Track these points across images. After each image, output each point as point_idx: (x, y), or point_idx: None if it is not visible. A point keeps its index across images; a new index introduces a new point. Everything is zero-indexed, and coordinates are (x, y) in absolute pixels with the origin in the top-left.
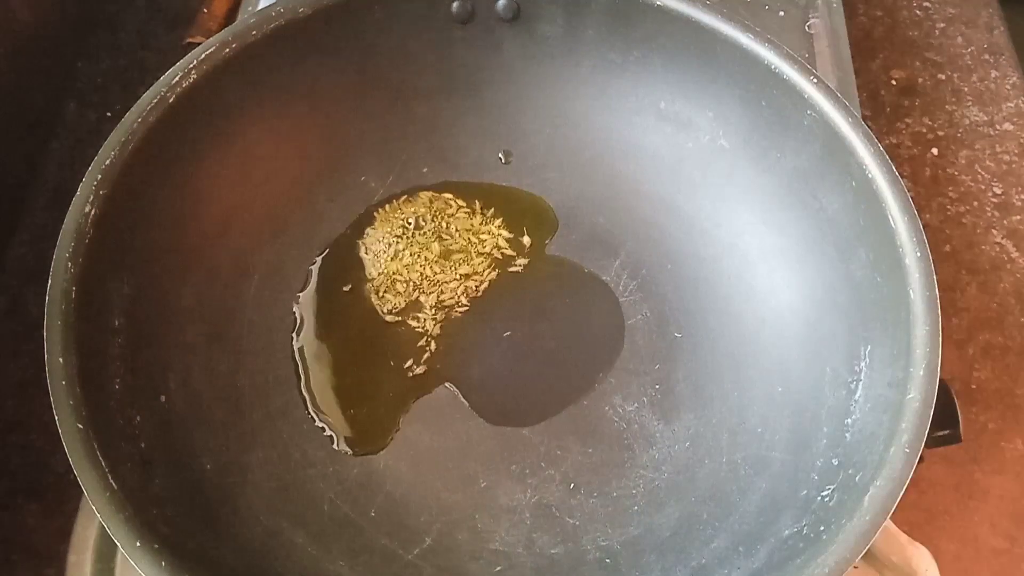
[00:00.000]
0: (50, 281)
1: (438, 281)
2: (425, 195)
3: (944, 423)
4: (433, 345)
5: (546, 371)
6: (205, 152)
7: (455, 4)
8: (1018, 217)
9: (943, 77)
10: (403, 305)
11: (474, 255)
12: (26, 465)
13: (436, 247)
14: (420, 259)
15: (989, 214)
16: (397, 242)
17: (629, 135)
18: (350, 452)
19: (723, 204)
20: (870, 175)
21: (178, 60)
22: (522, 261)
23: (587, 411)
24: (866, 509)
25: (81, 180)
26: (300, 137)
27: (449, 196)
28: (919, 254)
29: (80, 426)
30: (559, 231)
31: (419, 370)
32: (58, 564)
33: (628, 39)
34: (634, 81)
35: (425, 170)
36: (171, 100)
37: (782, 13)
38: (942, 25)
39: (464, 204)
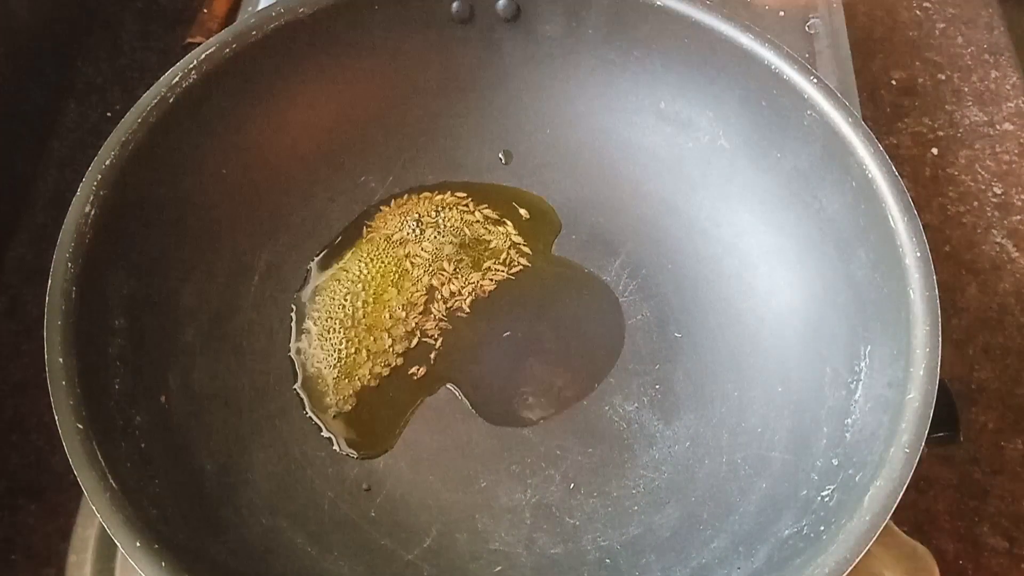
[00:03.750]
0: (50, 281)
1: (443, 281)
2: (426, 195)
3: (944, 423)
4: (438, 344)
5: (546, 371)
6: (204, 152)
7: (455, 4)
8: (1018, 217)
9: (943, 77)
10: (405, 306)
11: (482, 256)
12: (26, 465)
13: (440, 247)
14: (423, 260)
15: (989, 214)
16: (398, 243)
17: (629, 135)
18: (354, 455)
19: (723, 204)
20: (870, 175)
21: (178, 60)
22: (523, 262)
23: (587, 411)
24: (866, 509)
25: (81, 180)
26: (300, 137)
27: (451, 196)
28: (919, 254)
29: (80, 426)
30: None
31: (421, 372)
32: (58, 564)
33: (628, 39)
34: (634, 81)
35: (425, 170)
36: (171, 100)
37: (782, 13)
38: (942, 25)
39: (466, 205)
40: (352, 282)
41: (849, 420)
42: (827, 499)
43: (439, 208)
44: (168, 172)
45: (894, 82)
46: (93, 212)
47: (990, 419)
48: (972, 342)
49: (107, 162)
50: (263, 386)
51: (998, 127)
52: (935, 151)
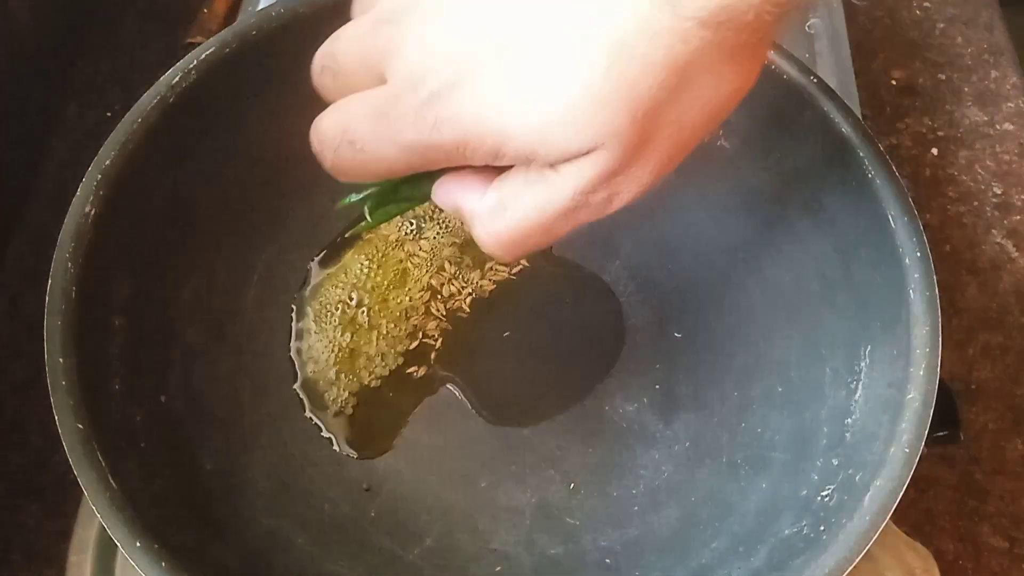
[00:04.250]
0: (50, 281)
1: (443, 281)
2: None
3: (944, 423)
4: (438, 344)
5: (546, 371)
6: (204, 152)
7: None
8: (1018, 217)
9: (943, 77)
10: (405, 306)
11: (481, 255)
12: (26, 465)
13: (440, 247)
14: (423, 260)
15: (989, 214)
16: (398, 243)
17: None
18: (354, 455)
19: (723, 204)
20: (870, 175)
21: (178, 60)
22: (523, 262)
23: (587, 411)
24: (866, 509)
25: (81, 180)
26: (300, 137)
27: None
28: (919, 254)
29: (80, 426)
30: None
31: (421, 372)
32: (58, 564)
33: None
34: None
35: None
36: (171, 100)
37: None
38: (942, 25)
39: None
40: (352, 282)
41: (849, 420)
42: (827, 499)
43: (439, 208)
44: (168, 172)
45: (894, 82)
46: (93, 212)
47: (990, 419)
48: (972, 342)
49: (107, 162)
50: (263, 386)
51: (998, 127)
52: (935, 151)
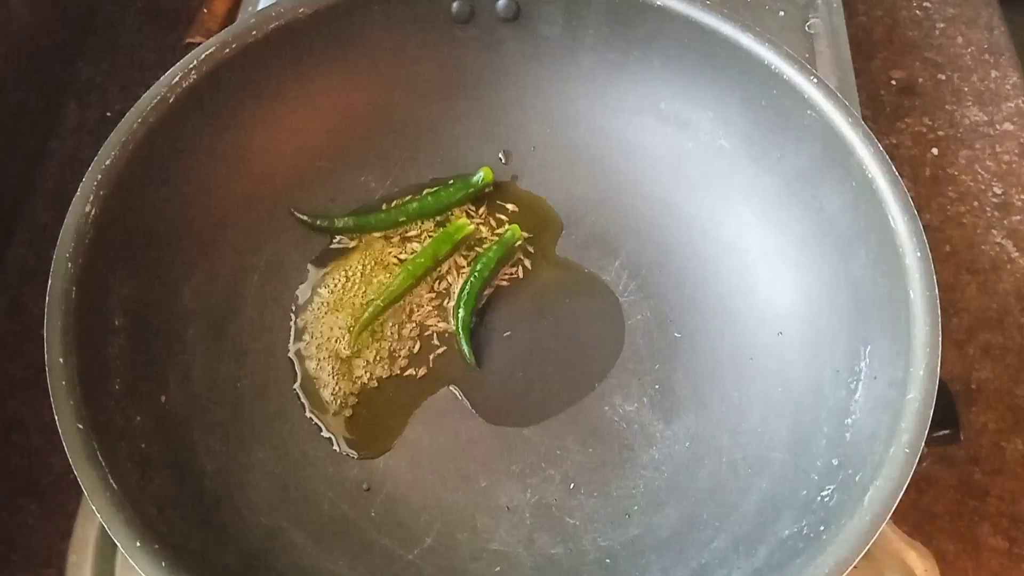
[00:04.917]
0: (50, 281)
1: (445, 282)
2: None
3: (944, 423)
4: (438, 345)
5: (546, 371)
6: (205, 152)
7: (455, 4)
8: (1018, 217)
9: (943, 77)
10: (405, 307)
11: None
12: (26, 465)
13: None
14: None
15: (989, 214)
16: (398, 243)
17: (629, 135)
18: (354, 455)
19: (723, 204)
20: (870, 175)
21: (178, 60)
22: (524, 262)
23: (587, 411)
24: (866, 509)
25: (81, 180)
26: (300, 137)
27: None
28: (919, 254)
29: (80, 426)
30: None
31: (421, 372)
32: (58, 564)
33: (628, 39)
34: (634, 81)
35: (425, 170)
36: (171, 100)
37: (782, 13)
38: (942, 25)
39: (467, 206)
40: (352, 283)
41: (849, 420)
42: (827, 499)
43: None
44: (168, 172)
45: (894, 82)
46: (93, 212)
47: (990, 419)
48: (972, 342)
49: (107, 162)
50: (263, 386)
51: (998, 127)
52: (935, 151)
